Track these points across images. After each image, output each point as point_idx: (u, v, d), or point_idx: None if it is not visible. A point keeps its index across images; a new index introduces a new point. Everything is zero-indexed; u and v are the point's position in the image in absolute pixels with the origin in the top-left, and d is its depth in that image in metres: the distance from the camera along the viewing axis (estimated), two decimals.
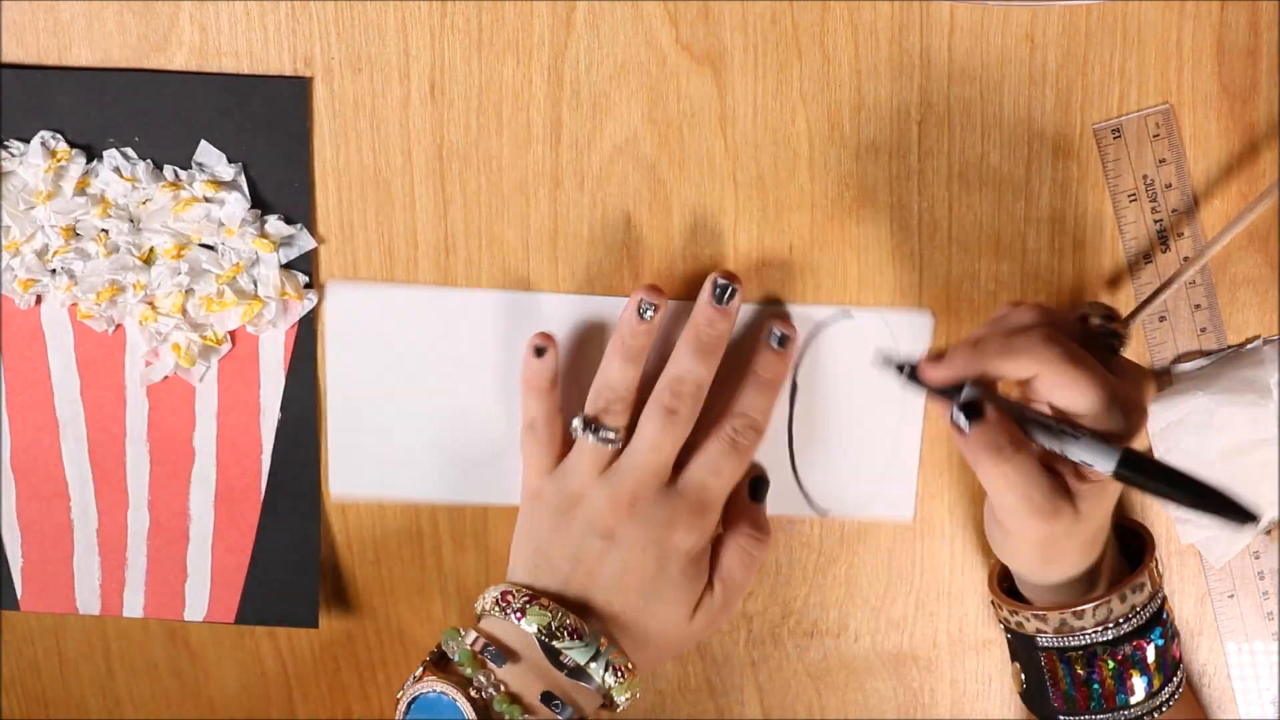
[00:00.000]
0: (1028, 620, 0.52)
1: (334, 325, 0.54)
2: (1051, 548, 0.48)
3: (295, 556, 0.59)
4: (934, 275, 0.55)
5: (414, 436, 0.55)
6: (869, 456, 0.55)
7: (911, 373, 0.48)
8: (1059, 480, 0.47)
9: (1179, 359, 0.56)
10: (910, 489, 0.56)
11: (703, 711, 0.61)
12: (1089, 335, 0.48)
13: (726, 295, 0.52)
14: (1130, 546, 0.54)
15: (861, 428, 0.54)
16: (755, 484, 0.55)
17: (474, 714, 0.48)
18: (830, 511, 0.55)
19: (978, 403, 0.45)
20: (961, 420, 0.46)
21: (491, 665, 0.49)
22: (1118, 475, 0.44)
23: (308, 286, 0.57)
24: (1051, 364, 0.45)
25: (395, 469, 0.56)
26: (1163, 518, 0.57)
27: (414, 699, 0.50)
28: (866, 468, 0.55)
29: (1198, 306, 0.55)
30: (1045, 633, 0.51)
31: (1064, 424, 0.45)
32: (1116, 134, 0.54)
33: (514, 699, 0.49)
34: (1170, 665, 0.52)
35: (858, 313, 0.53)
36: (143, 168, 0.55)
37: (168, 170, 0.55)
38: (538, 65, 0.54)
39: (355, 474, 0.56)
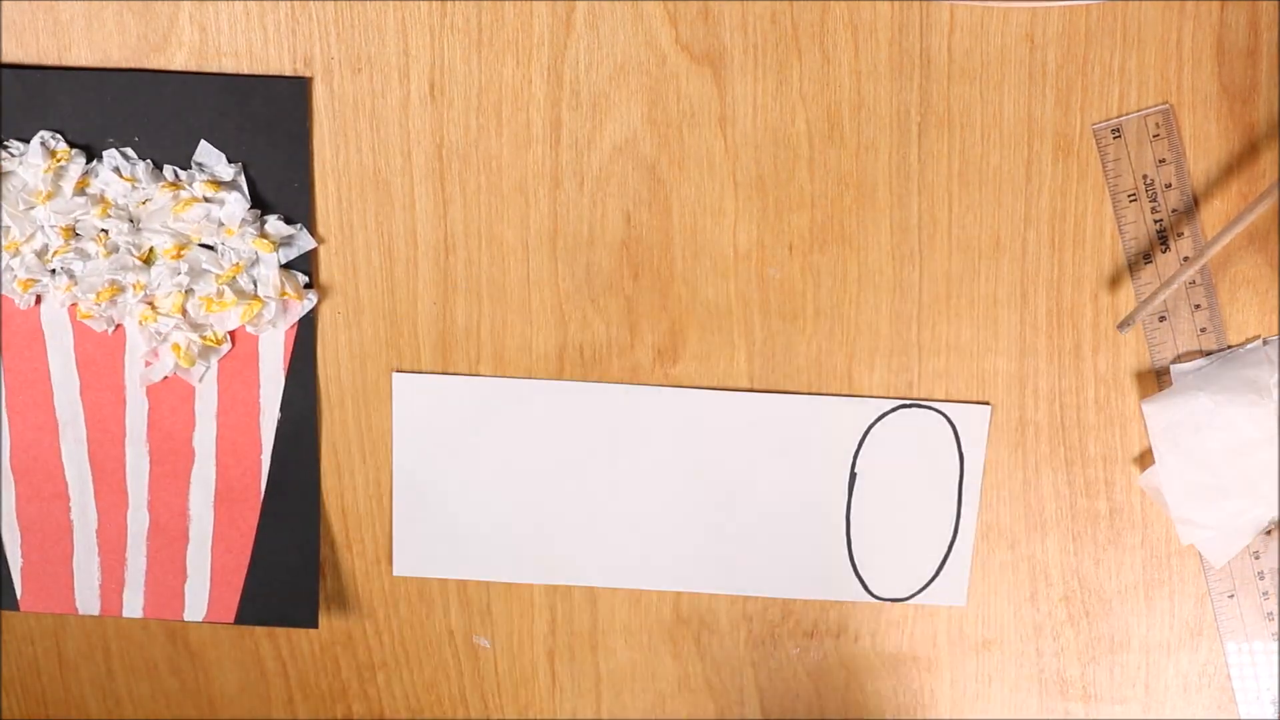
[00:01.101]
0: None
1: (401, 413, 0.56)
2: None
3: (295, 556, 0.59)
4: (934, 275, 0.55)
5: (476, 519, 0.56)
6: (925, 545, 0.56)
7: None
8: None
9: (1179, 359, 0.56)
10: (964, 575, 0.57)
11: (703, 711, 0.61)
12: None
13: None
14: None
15: (919, 517, 0.55)
16: None
17: None
18: (888, 599, 0.56)
19: None
20: None
21: None
22: None
23: (307, 286, 0.57)
24: None
25: (457, 549, 0.57)
26: (1162, 518, 0.57)
27: None
28: (923, 556, 0.56)
29: (1197, 306, 0.55)
30: None
31: None
32: (1116, 134, 0.54)
33: None
34: None
35: (915, 405, 0.54)
36: (142, 168, 0.55)
37: (167, 170, 0.55)
38: (537, 65, 0.54)
39: (418, 555, 0.58)
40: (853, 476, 0.53)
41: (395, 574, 0.56)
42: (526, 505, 0.55)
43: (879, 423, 0.53)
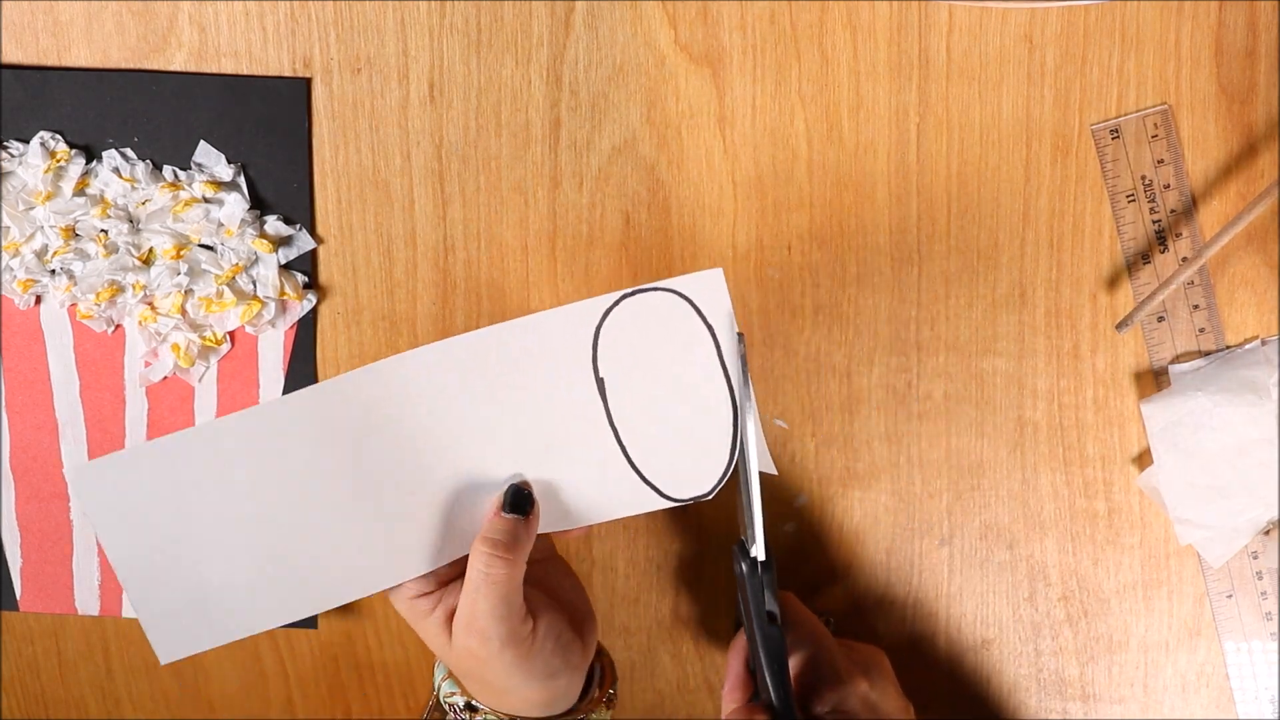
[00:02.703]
0: None
1: (94, 506, 0.47)
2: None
3: None
4: (933, 275, 0.55)
5: (224, 577, 0.49)
6: (708, 432, 0.50)
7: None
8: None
9: (1177, 359, 0.56)
10: (765, 448, 0.52)
11: (702, 711, 0.61)
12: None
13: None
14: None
15: (689, 403, 0.49)
16: (508, 495, 0.48)
17: None
18: (685, 498, 0.50)
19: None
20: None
21: None
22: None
23: (307, 287, 0.57)
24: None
25: (215, 615, 0.49)
26: (1162, 517, 0.57)
27: None
28: (710, 444, 0.50)
29: (1196, 307, 0.55)
30: None
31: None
32: (1115, 134, 0.54)
33: None
34: None
35: (638, 291, 0.48)
36: (142, 168, 0.55)
37: (167, 170, 0.56)
38: (537, 66, 0.54)
39: (177, 635, 0.49)
40: (599, 382, 0.48)
41: (163, 663, 0.49)
42: (272, 540, 0.48)
43: (607, 320, 0.47)
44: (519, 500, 0.47)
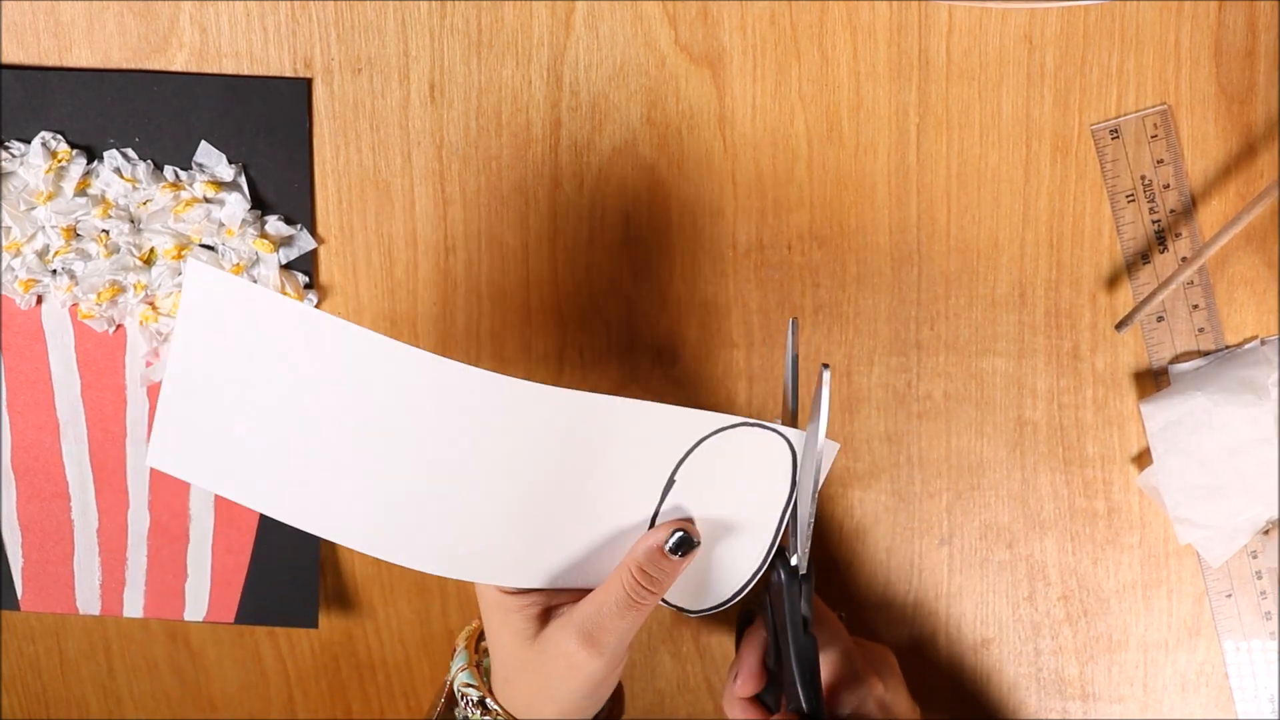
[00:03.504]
0: None
1: (190, 303, 0.47)
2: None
3: (295, 556, 0.59)
4: (932, 275, 0.55)
5: (251, 439, 0.48)
6: (730, 563, 0.51)
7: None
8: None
9: (1177, 359, 0.56)
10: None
11: (702, 711, 0.61)
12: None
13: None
14: None
15: (728, 534, 0.50)
16: (676, 537, 0.48)
17: None
18: (676, 606, 0.51)
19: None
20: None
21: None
22: None
23: (308, 287, 0.57)
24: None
25: (220, 459, 0.49)
26: (1161, 517, 0.57)
27: None
28: (725, 574, 0.51)
29: (1195, 307, 0.55)
30: None
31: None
32: (1115, 134, 0.54)
33: None
34: None
35: (759, 426, 0.48)
36: (143, 168, 0.55)
37: (168, 171, 0.56)
38: (537, 66, 0.54)
39: (177, 451, 0.49)
40: (670, 482, 0.48)
41: (149, 464, 0.49)
42: (311, 448, 0.47)
43: (715, 435, 0.47)
44: (684, 544, 0.47)
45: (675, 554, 0.47)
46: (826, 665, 0.51)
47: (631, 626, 0.47)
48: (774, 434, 0.47)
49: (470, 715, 0.50)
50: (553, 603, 0.48)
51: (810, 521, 0.48)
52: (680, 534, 0.47)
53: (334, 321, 0.44)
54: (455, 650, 0.52)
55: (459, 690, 0.50)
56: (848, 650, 0.52)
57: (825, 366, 0.46)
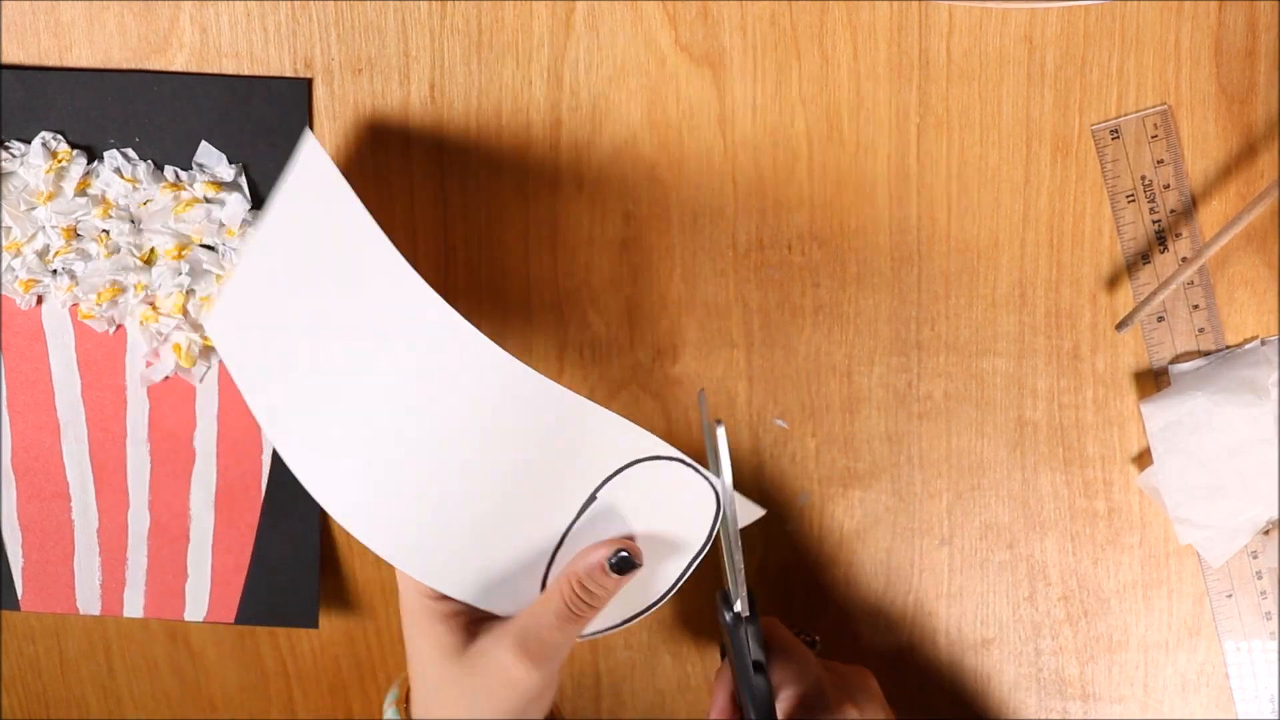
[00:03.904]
0: None
1: (297, 183, 0.46)
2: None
3: (295, 556, 0.59)
4: (932, 275, 0.55)
5: (295, 351, 0.47)
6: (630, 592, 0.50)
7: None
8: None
9: (1177, 359, 0.56)
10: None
11: (702, 711, 0.61)
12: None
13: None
14: None
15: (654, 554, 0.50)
16: (617, 557, 0.47)
17: None
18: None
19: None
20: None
21: None
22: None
23: None
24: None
25: (266, 360, 0.48)
26: (1162, 517, 0.57)
27: None
28: (627, 601, 0.50)
29: (1196, 307, 0.55)
30: None
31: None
32: (1115, 135, 0.54)
33: None
34: None
35: (691, 467, 0.47)
36: (143, 168, 0.55)
37: (168, 171, 0.56)
38: (537, 66, 0.54)
39: (238, 332, 0.48)
40: (591, 499, 0.47)
41: (207, 327, 0.48)
42: (332, 384, 0.46)
43: (647, 462, 0.46)
44: (625, 565, 0.47)
45: (615, 573, 0.46)
46: (792, 699, 0.50)
47: (568, 640, 0.46)
48: (702, 478, 0.47)
49: None
50: (481, 614, 0.47)
51: (741, 568, 0.48)
52: (623, 554, 0.47)
53: (401, 267, 0.44)
54: (390, 693, 0.51)
55: None
56: (817, 680, 0.51)
57: (718, 422, 0.46)
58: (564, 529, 0.47)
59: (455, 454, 0.46)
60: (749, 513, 0.53)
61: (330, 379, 0.46)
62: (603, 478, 0.46)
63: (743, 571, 0.48)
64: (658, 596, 0.50)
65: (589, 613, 0.47)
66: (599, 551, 0.47)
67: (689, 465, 0.46)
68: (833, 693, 0.51)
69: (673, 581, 0.49)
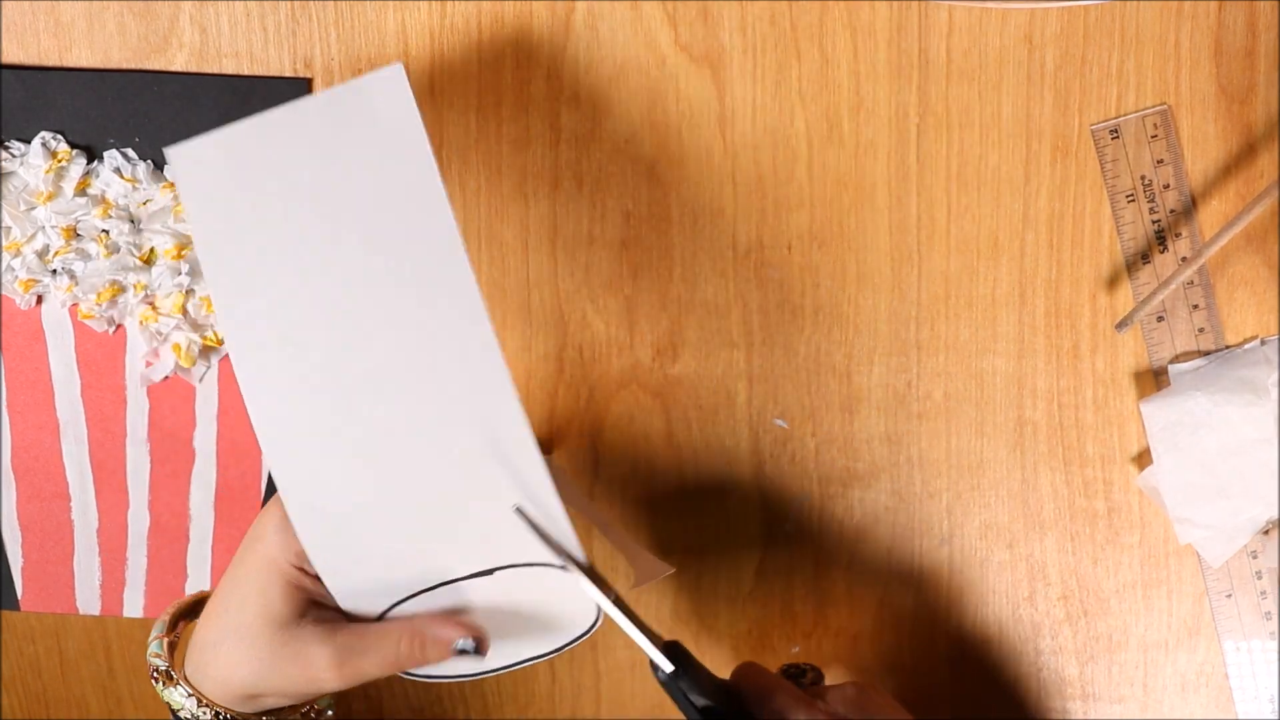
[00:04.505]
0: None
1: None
2: None
3: None
4: (932, 275, 0.55)
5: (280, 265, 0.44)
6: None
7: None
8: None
9: (1177, 359, 0.56)
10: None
11: None
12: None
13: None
14: None
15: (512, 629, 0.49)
16: (466, 644, 0.46)
17: None
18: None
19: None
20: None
21: None
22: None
23: None
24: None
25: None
26: (1161, 517, 0.57)
27: None
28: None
29: (1195, 307, 0.55)
30: None
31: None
32: (1115, 134, 0.54)
33: None
34: None
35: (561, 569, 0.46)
36: (143, 168, 0.55)
37: (168, 171, 0.56)
38: (537, 66, 0.54)
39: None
40: (485, 573, 0.46)
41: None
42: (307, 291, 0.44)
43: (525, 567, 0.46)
44: (477, 653, 0.46)
45: (457, 653, 0.46)
46: None
47: (382, 675, 0.46)
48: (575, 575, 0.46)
49: (156, 685, 0.48)
50: (321, 600, 0.47)
51: (642, 638, 0.46)
52: (475, 644, 0.46)
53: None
54: (156, 621, 0.51)
55: (148, 659, 0.49)
56: (796, 715, 0.49)
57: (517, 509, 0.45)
58: (446, 576, 0.47)
59: (410, 438, 0.45)
60: (658, 570, 0.52)
61: (312, 304, 0.44)
62: (504, 562, 0.46)
63: (646, 640, 0.46)
64: (533, 656, 0.49)
65: (412, 667, 0.46)
66: (453, 631, 0.46)
67: (560, 569, 0.46)
68: (806, 710, 0.49)
69: (549, 650, 0.49)
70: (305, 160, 0.44)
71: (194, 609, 0.51)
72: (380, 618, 0.47)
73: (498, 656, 0.48)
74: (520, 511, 0.45)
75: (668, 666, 0.47)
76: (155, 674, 0.49)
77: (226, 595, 0.47)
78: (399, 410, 0.44)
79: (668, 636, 0.61)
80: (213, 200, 0.44)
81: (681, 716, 0.48)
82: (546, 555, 0.45)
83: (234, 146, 0.44)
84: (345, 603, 0.47)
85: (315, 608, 0.47)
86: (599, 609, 0.47)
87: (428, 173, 0.44)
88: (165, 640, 0.49)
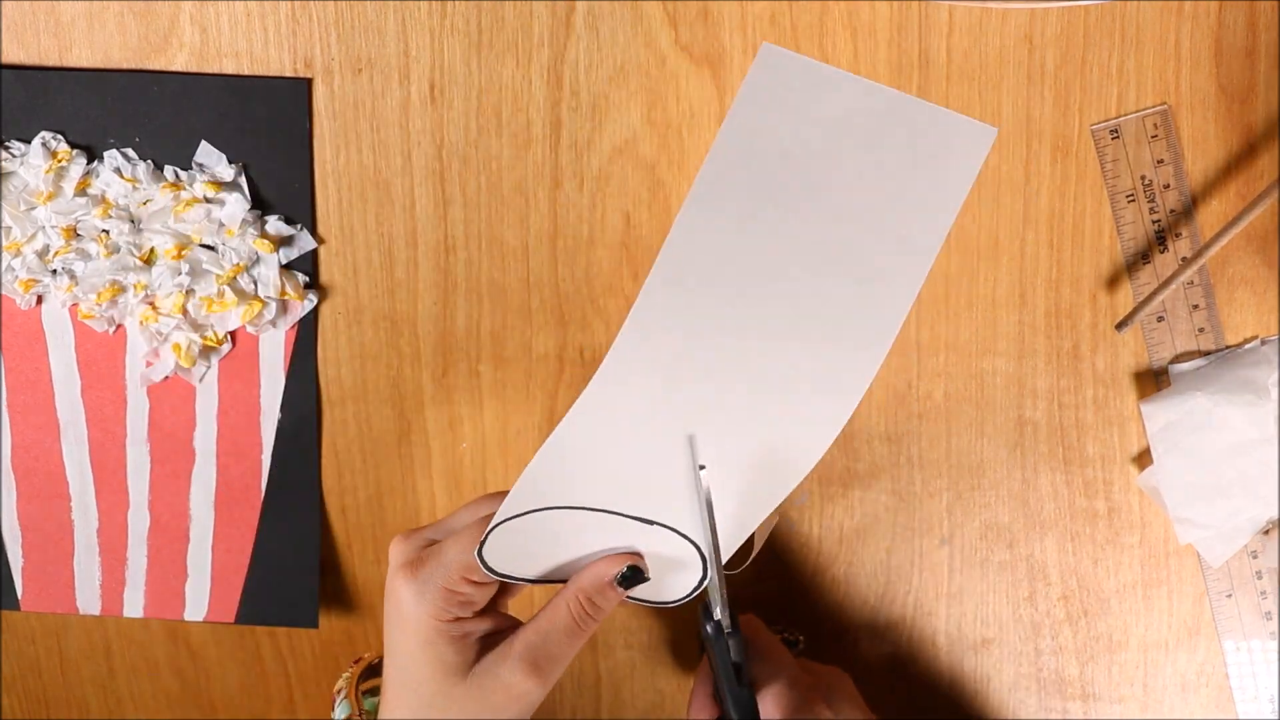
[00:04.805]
0: None
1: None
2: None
3: (295, 556, 0.60)
4: (933, 275, 0.55)
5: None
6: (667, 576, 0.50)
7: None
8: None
9: (1177, 359, 0.56)
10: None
11: None
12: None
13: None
14: None
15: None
16: (629, 571, 0.48)
17: None
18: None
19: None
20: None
21: None
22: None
23: (308, 287, 0.57)
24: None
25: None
26: (1162, 517, 0.57)
27: None
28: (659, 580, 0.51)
29: (1196, 307, 0.55)
30: None
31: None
32: (1115, 134, 0.54)
33: None
34: None
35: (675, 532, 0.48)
36: (143, 168, 0.55)
37: (168, 171, 0.56)
38: (537, 66, 0.54)
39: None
40: (650, 522, 0.48)
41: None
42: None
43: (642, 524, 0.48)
44: (633, 578, 0.48)
45: (622, 586, 0.47)
46: (770, 700, 0.50)
47: (575, 651, 0.47)
48: (687, 539, 0.48)
49: None
50: (488, 631, 0.48)
51: (722, 584, 0.48)
52: (632, 568, 0.47)
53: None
54: (336, 699, 0.51)
55: None
56: (793, 680, 0.51)
57: (702, 467, 0.47)
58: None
59: (719, 410, 0.47)
60: (745, 546, 0.53)
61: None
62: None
63: (722, 583, 0.48)
64: (663, 600, 0.50)
65: (593, 625, 0.47)
66: (608, 568, 0.47)
67: (677, 533, 0.48)
68: (807, 693, 0.51)
69: (679, 597, 0.50)
70: (856, 131, 0.45)
71: (366, 673, 0.52)
72: (539, 576, 0.49)
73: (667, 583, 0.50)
74: (701, 471, 0.47)
75: (727, 622, 0.49)
76: None
77: (402, 675, 0.47)
78: (741, 377, 0.46)
79: (669, 635, 0.61)
80: (762, 109, 0.45)
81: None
82: (696, 532, 0.48)
83: (817, 81, 0.45)
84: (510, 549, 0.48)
85: (485, 641, 0.47)
86: (700, 579, 0.49)
87: (945, 216, 0.45)
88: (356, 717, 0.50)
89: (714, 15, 0.53)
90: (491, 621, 0.48)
